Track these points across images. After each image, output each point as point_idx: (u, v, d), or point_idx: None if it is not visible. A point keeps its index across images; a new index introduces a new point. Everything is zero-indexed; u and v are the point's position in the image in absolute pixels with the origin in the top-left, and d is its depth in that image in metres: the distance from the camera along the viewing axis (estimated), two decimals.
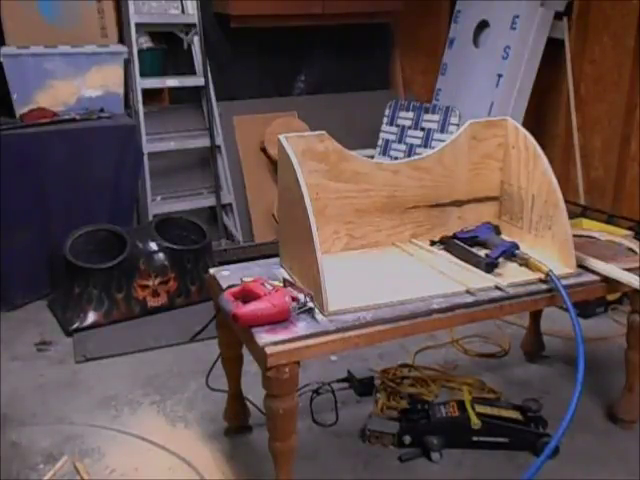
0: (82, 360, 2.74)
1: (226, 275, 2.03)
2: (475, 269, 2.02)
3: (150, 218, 3.53)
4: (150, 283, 3.09)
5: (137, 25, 3.52)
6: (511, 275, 2.01)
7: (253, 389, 2.21)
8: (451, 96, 4.12)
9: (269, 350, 1.64)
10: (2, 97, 3.28)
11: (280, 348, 1.65)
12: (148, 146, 3.58)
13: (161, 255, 3.13)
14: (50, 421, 2.34)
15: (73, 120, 3.26)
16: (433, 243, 2.25)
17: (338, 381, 2.51)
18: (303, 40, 4.10)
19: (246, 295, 1.79)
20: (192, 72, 3.82)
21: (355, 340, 1.75)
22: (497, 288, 1.93)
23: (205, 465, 2.11)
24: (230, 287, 1.87)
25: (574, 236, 2.07)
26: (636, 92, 3.63)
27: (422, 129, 3.85)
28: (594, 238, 2.37)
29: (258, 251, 3.41)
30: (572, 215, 2.74)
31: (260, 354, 1.67)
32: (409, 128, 3.90)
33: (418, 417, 2.19)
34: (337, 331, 1.72)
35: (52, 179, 3.14)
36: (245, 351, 1.99)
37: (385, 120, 4.00)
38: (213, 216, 3.84)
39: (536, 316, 2.68)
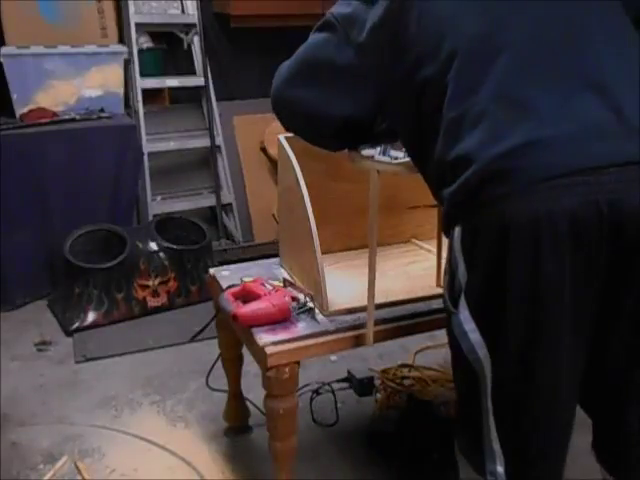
0: (82, 360, 2.74)
1: (226, 275, 2.03)
2: None
3: (150, 218, 3.53)
4: (150, 283, 3.09)
5: (137, 25, 3.52)
6: None
7: (253, 389, 2.21)
8: None
9: (269, 350, 1.64)
10: (2, 97, 3.28)
11: (280, 348, 1.65)
12: (148, 146, 3.58)
13: (161, 255, 3.13)
14: (50, 421, 2.34)
15: (73, 120, 3.26)
16: None
17: (338, 381, 2.51)
18: (303, 40, 4.07)
19: (246, 295, 1.79)
20: (192, 72, 3.81)
21: (355, 340, 1.75)
22: None
23: (205, 465, 2.11)
24: (230, 287, 1.87)
25: None
26: None
27: None
28: None
29: (258, 251, 3.40)
30: None
31: (260, 354, 1.67)
32: None
33: (418, 417, 2.19)
34: (337, 331, 1.72)
35: (52, 179, 3.14)
36: (245, 351, 2.00)
37: None
38: (213, 216, 3.84)
39: None
